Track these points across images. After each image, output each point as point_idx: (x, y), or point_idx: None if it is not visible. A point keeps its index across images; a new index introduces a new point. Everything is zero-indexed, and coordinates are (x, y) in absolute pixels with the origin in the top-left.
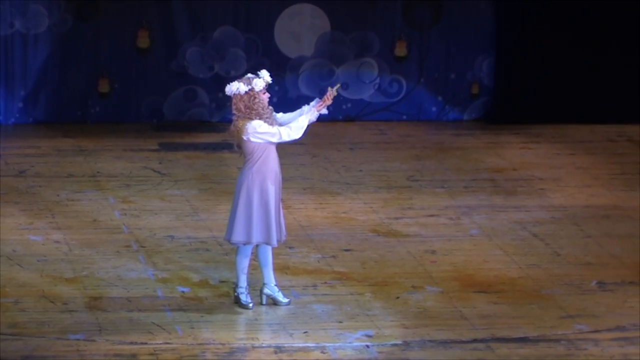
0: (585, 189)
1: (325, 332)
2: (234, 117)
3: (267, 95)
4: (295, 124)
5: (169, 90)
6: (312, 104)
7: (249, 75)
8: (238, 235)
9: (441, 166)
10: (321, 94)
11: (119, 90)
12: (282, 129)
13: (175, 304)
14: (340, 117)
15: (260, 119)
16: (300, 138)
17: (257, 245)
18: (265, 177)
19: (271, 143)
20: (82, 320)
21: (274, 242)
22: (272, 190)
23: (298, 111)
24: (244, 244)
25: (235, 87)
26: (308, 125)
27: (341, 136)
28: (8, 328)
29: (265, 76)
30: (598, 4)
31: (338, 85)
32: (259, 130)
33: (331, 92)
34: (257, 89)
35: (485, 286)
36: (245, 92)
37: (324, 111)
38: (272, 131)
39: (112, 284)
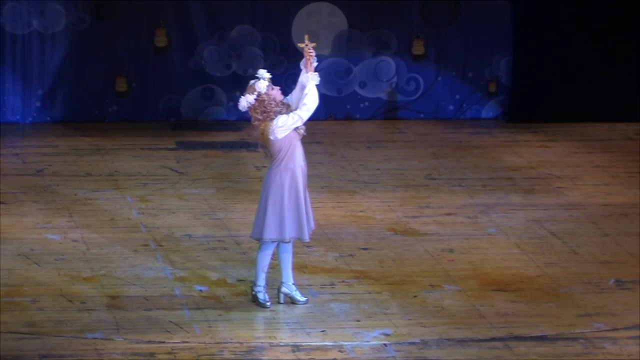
0: (603, 187)
1: (343, 330)
2: (255, 124)
3: (277, 88)
4: (307, 98)
5: (187, 89)
6: (303, 71)
7: (251, 82)
8: (270, 233)
9: (459, 164)
10: (338, 92)
11: (136, 89)
12: (299, 111)
13: (193, 302)
14: (358, 116)
15: (280, 115)
16: (318, 103)
17: (278, 245)
18: (294, 172)
19: (298, 128)
20: (100, 319)
21: (306, 237)
22: (301, 184)
23: (299, 85)
24: (274, 242)
25: (245, 102)
26: (317, 87)
27: (358, 135)
28: (26, 327)
29: (264, 75)
30: (616, 2)
31: (306, 36)
32: (281, 124)
33: (307, 47)
34: (263, 91)
35: (503, 285)
36: (255, 99)
37: (315, 64)
38: (293, 119)
39: (130, 283)
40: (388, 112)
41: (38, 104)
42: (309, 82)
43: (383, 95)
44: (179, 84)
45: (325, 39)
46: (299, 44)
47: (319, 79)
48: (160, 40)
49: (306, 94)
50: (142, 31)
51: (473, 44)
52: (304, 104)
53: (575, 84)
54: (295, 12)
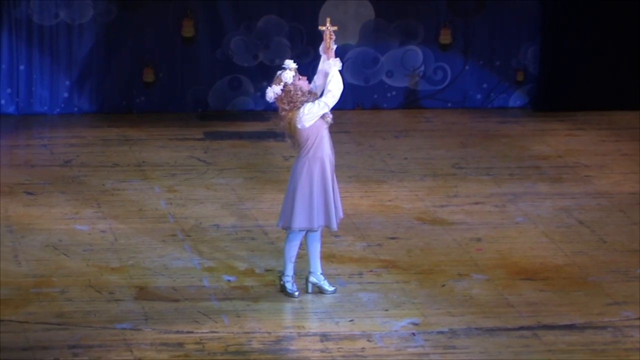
0: (631, 175)
1: (371, 320)
2: (282, 115)
3: (304, 78)
4: (332, 85)
5: (214, 79)
6: (323, 57)
7: (277, 72)
8: (300, 222)
9: (486, 154)
10: (365, 81)
11: (163, 79)
12: (324, 98)
13: (221, 292)
14: (385, 105)
15: (307, 103)
16: (345, 91)
17: (306, 234)
18: (322, 161)
19: (325, 116)
20: (128, 310)
21: (334, 226)
22: (329, 173)
23: (320, 72)
24: (302, 231)
25: (272, 93)
26: (343, 76)
27: (386, 124)
28: (55, 317)
29: (290, 65)
30: None
31: (328, 19)
32: (307, 112)
33: (327, 31)
34: (289, 81)
35: (531, 273)
36: (282, 90)
37: (334, 47)
38: (319, 106)
39: (158, 273)
40: (415, 101)
41: (66, 94)
42: (332, 68)
43: (409, 84)
44: (206, 74)
45: (353, 29)
46: (320, 27)
47: (340, 64)
48: (187, 31)
49: (330, 81)
50: (169, 22)
51: (500, 33)
52: (329, 91)
53: (602, 72)
54: (322, 2)
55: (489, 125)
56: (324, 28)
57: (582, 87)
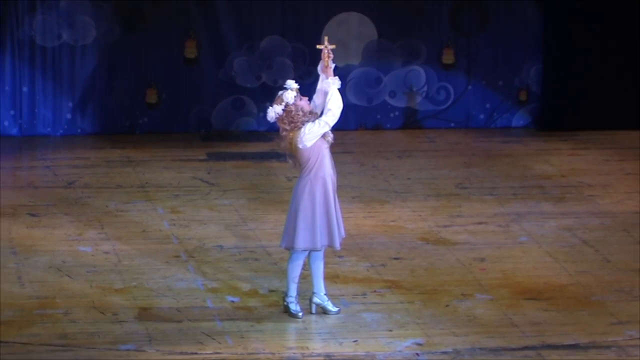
0: (634, 195)
1: (375, 340)
2: (283, 135)
3: (305, 99)
4: (331, 103)
5: (217, 100)
6: (321, 77)
7: (279, 93)
8: (302, 242)
9: (490, 173)
10: (368, 101)
11: (166, 100)
12: (324, 117)
13: (225, 313)
14: (388, 125)
15: (307, 123)
16: (345, 110)
17: (309, 254)
18: (324, 180)
19: (326, 135)
20: (132, 331)
21: (337, 245)
22: (331, 192)
23: (319, 91)
24: (305, 250)
25: (273, 113)
26: (344, 95)
27: (389, 144)
28: (58, 339)
29: (292, 85)
30: None
31: (326, 37)
32: (308, 131)
33: (325, 49)
34: (290, 101)
35: (536, 293)
36: (283, 110)
37: (332, 65)
38: (319, 125)
39: (162, 294)
40: (418, 121)
41: (69, 116)
42: (331, 87)
43: (408, 103)
44: (209, 95)
45: (355, 49)
46: (317, 45)
47: (339, 82)
48: (190, 52)
49: (329, 99)
50: (172, 43)
51: (503, 53)
52: (329, 110)
53: (605, 92)
54: (325, 22)
55: (492, 145)
56: (322, 47)
57: (586, 106)
